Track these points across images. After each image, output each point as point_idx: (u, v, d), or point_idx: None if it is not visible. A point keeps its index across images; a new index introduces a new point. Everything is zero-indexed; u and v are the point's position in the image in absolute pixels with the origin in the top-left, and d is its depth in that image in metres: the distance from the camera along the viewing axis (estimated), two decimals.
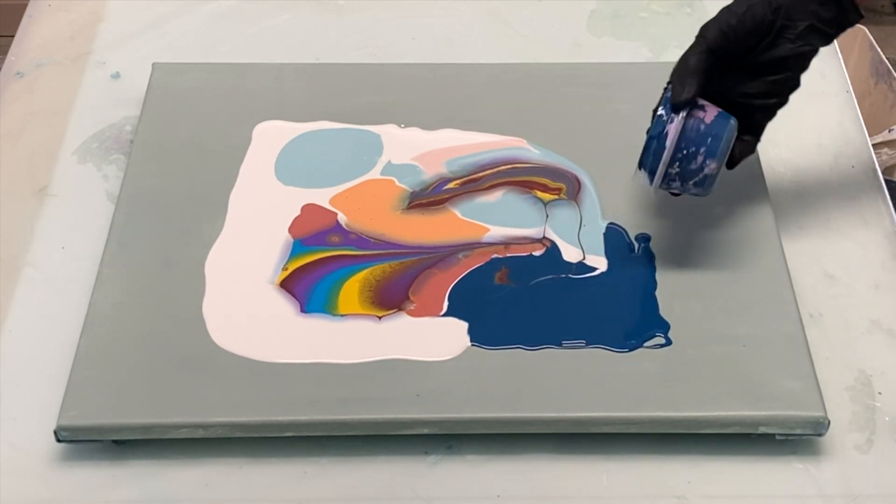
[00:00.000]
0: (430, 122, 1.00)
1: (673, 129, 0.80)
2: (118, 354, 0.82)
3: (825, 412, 0.79)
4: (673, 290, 0.86)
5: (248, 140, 0.98)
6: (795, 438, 0.80)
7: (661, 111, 0.81)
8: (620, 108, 1.00)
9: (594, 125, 0.99)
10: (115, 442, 0.80)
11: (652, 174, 0.82)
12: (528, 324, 0.84)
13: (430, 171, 0.96)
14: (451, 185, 0.95)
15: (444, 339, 0.83)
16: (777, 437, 0.80)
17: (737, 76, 0.83)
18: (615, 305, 0.85)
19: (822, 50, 1.10)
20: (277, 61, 1.07)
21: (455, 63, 1.07)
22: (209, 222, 0.91)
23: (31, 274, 0.91)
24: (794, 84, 0.85)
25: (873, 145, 1.06)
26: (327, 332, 0.83)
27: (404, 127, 1.00)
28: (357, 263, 0.88)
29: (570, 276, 0.88)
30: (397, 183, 0.95)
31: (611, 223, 0.92)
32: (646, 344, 0.83)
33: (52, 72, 1.10)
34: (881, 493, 0.78)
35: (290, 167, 0.96)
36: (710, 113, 0.81)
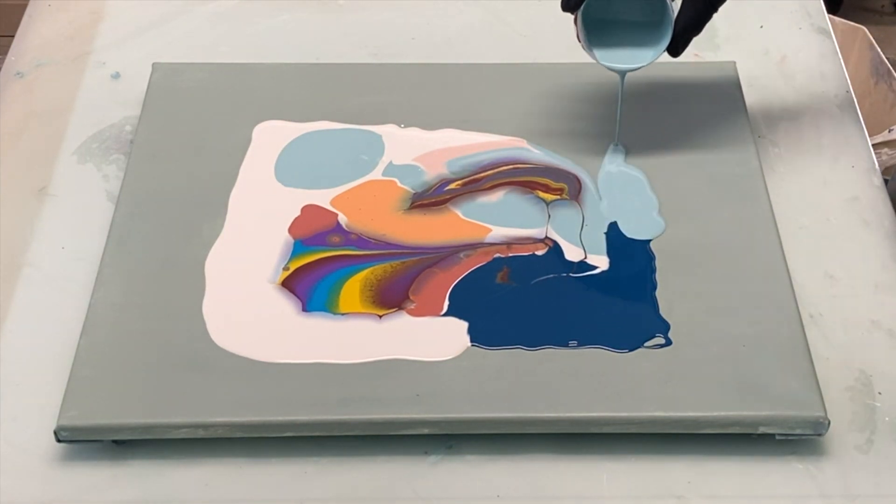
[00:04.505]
0: (430, 122, 1.00)
1: None
2: (118, 354, 0.82)
3: (825, 412, 0.79)
4: (673, 290, 0.86)
5: (248, 140, 0.98)
6: (795, 438, 0.80)
7: None
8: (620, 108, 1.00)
9: (594, 125, 0.99)
10: (115, 442, 0.80)
11: None
12: (528, 324, 0.84)
13: (432, 172, 0.96)
14: (452, 186, 0.95)
15: (444, 339, 0.83)
16: (777, 437, 0.80)
17: None
18: (615, 306, 0.85)
19: (822, 50, 1.10)
20: (277, 61, 1.07)
21: (455, 63, 1.07)
22: (209, 222, 0.91)
23: (31, 274, 0.91)
24: None
25: (873, 145, 1.06)
26: (328, 331, 0.83)
27: (404, 127, 1.00)
28: (358, 263, 0.88)
29: (570, 275, 0.87)
30: (399, 184, 0.95)
31: (612, 223, 0.91)
32: (646, 344, 0.83)
33: (52, 72, 1.10)
34: (881, 493, 0.78)
35: (290, 168, 0.96)
36: None
